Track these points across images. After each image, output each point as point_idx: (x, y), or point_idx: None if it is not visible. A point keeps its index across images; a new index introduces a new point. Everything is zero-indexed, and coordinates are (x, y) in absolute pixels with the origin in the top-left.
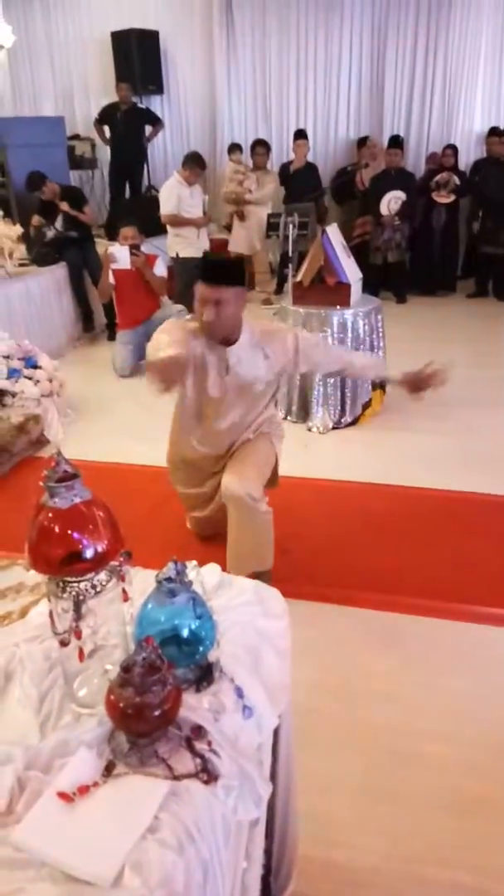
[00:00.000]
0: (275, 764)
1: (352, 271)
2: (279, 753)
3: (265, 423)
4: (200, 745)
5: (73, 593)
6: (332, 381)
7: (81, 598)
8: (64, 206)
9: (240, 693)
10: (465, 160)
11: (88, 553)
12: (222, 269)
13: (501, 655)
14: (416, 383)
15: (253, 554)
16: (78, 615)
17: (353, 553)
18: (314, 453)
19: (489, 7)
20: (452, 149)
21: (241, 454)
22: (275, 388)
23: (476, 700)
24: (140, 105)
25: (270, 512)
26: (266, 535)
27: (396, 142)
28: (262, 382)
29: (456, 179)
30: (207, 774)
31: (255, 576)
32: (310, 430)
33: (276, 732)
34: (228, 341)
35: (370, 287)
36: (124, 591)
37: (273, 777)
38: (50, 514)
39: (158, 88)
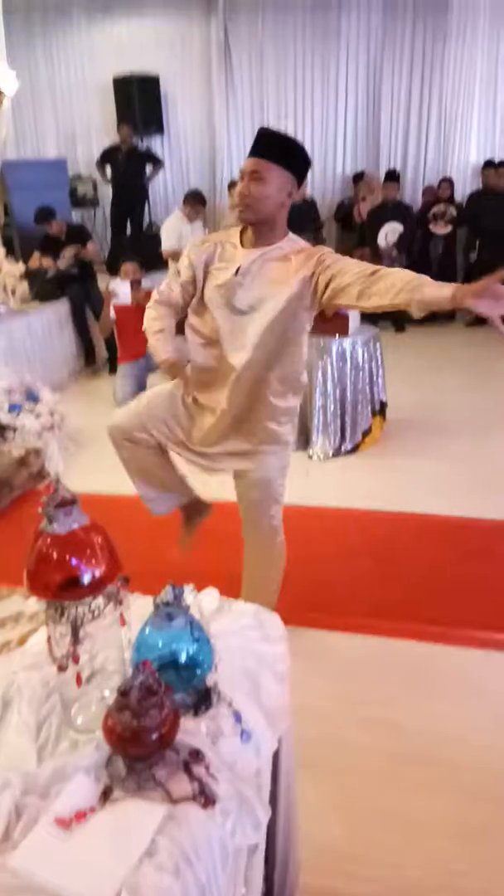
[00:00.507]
0: (275, 789)
1: None
2: (279, 778)
3: (283, 419)
4: (198, 769)
5: (71, 618)
6: (331, 408)
7: (79, 622)
8: (72, 249)
9: (238, 717)
10: (462, 192)
11: (86, 578)
12: (270, 141)
13: None
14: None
15: (267, 586)
16: (76, 640)
17: (353, 579)
18: (315, 480)
19: (483, 42)
20: (448, 181)
21: (254, 484)
22: (300, 343)
23: (479, 726)
24: (140, 146)
25: (283, 546)
26: (281, 564)
27: (393, 176)
28: (274, 296)
29: (453, 210)
30: (205, 798)
31: None
32: (310, 457)
33: (275, 757)
34: (255, 243)
35: (369, 316)
36: (122, 615)
37: (273, 802)
38: (48, 540)
39: (159, 129)
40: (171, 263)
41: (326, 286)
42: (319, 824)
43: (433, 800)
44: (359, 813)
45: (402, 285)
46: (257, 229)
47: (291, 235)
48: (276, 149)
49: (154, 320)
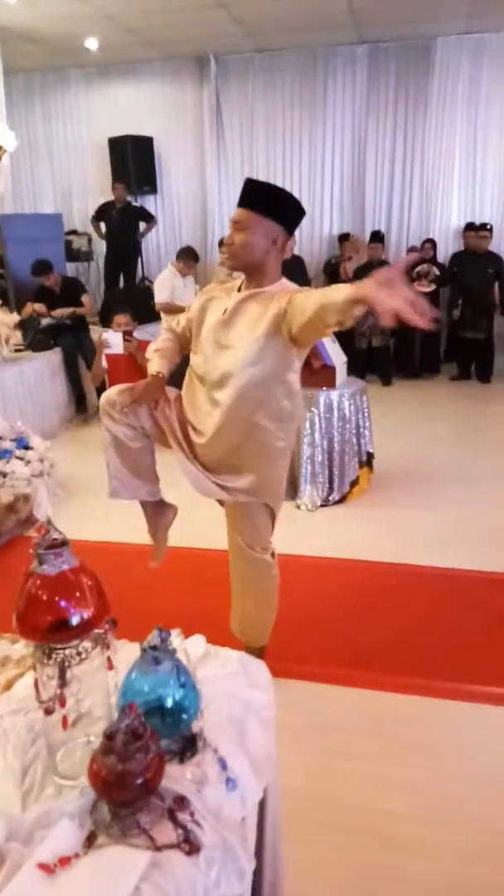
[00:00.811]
0: (261, 840)
1: (336, 355)
2: (265, 829)
3: (273, 453)
4: (183, 816)
5: (59, 660)
6: (319, 458)
7: (67, 664)
8: (69, 310)
9: (223, 764)
10: (444, 253)
11: (75, 620)
12: (254, 192)
13: (494, 735)
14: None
15: (261, 619)
16: (63, 682)
17: (341, 631)
18: (303, 530)
19: (462, 111)
20: (431, 242)
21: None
22: (285, 380)
23: (469, 782)
24: (135, 203)
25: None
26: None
27: (377, 237)
28: (253, 332)
29: (436, 270)
30: (189, 845)
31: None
32: (298, 507)
33: (261, 807)
34: (253, 286)
35: (357, 370)
36: (109, 659)
37: (259, 854)
38: (38, 581)
39: (152, 189)
40: (163, 317)
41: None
42: (306, 881)
43: (425, 859)
44: (347, 871)
45: (321, 293)
46: (247, 275)
47: (285, 281)
48: (260, 199)
49: (157, 342)
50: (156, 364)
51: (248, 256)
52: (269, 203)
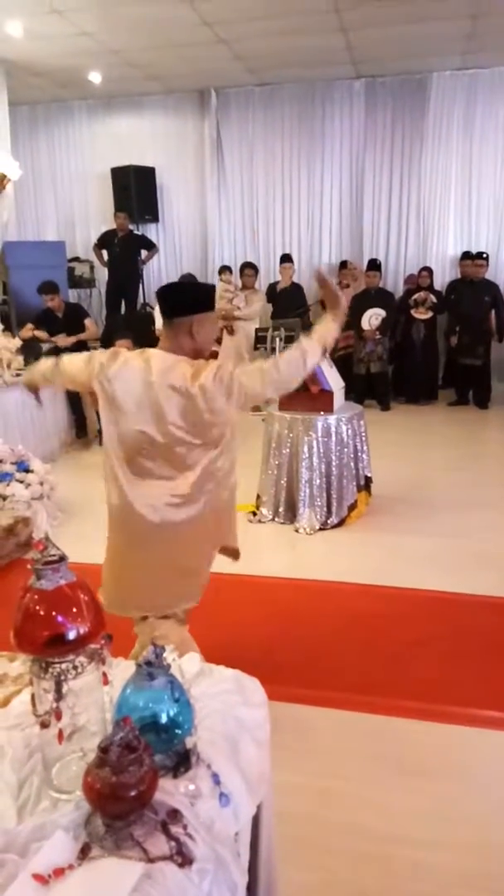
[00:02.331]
0: (255, 858)
1: (334, 380)
2: (260, 847)
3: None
4: (176, 829)
5: (55, 674)
6: (317, 482)
7: (63, 678)
8: (69, 340)
9: (217, 780)
10: (441, 281)
11: (71, 634)
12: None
13: (490, 758)
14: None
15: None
16: (59, 696)
17: (338, 654)
18: (301, 554)
19: (458, 144)
20: (428, 270)
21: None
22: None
23: (466, 805)
24: (136, 231)
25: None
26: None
27: (375, 265)
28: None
29: (433, 298)
30: (182, 857)
31: None
32: (297, 531)
33: (256, 825)
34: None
35: (355, 396)
36: (104, 674)
37: (253, 871)
38: (35, 596)
39: (154, 217)
40: None
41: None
42: None
43: (423, 882)
44: (341, 895)
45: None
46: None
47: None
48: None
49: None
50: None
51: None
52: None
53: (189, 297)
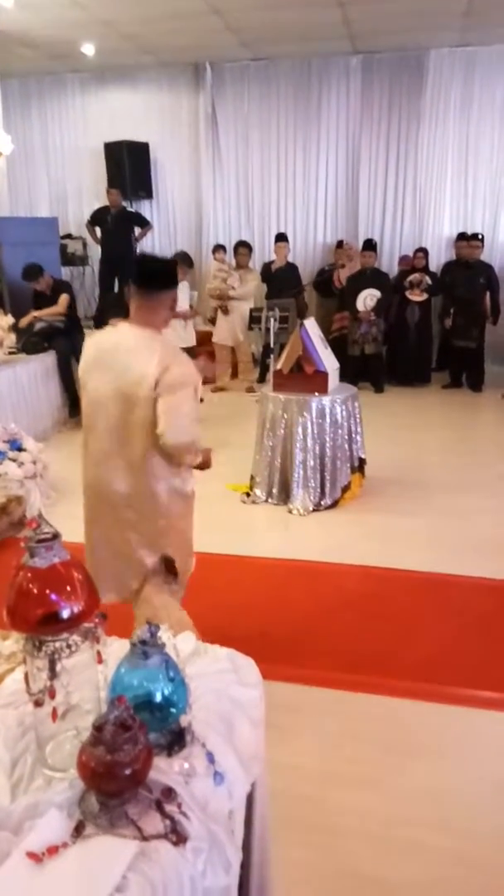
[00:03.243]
0: (248, 836)
1: (329, 361)
2: (253, 826)
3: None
4: (170, 807)
5: (49, 652)
6: (311, 463)
7: (56, 657)
8: (43, 312)
9: (211, 758)
10: (436, 262)
11: (65, 613)
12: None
13: (486, 739)
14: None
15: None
16: (53, 674)
17: (331, 634)
18: (294, 535)
19: (454, 123)
20: (423, 251)
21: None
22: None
23: (461, 786)
24: (130, 208)
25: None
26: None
27: (370, 245)
28: None
29: (428, 279)
30: (177, 836)
31: None
32: (290, 512)
33: (249, 803)
34: None
35: (349, 377)
36: (98, 653)
37: (247, 850)
38: (29, 574)
39: (148, 194)
40: None
41: None
42: (294, 881)
43: (416, 863)
44: (334, 873)
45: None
46: None
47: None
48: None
49: None
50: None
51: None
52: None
53: (172, 271)
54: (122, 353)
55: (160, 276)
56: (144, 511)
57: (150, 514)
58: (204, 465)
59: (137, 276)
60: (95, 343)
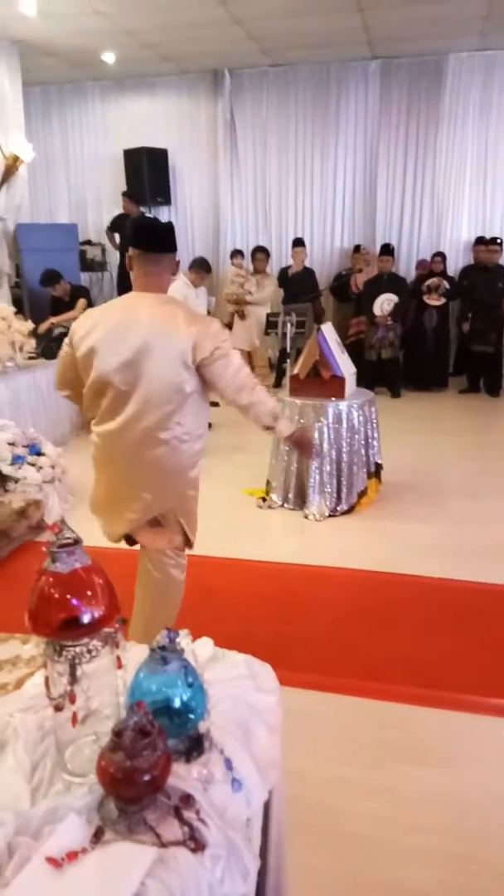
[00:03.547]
0: (265, 843)
1: (346, 366)
2: (270, 833)
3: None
4: (189, 814)
5: (69, 657)
6: (328, 468)
7: (77, 662)
8: (60, 318)
9: (229, 765)
10: (454, 266)
11: (86, 618)
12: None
13: (498, 746)
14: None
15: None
16: (73, 679)
17: (347, 640)
18: (310, 540)
19: (473, 127)
20: (441, 256)
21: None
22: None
23: (473, 793)
24: (148, 214)
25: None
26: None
27: (387, 250)
28: None
29: (446, 284)
30: (195, 843)
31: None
32: (306, 516)
33: (266, 811)
34: None
35: (366, 382)
36: (118, 658)
37: (263, 857)
38: (51, 579)
39: (166, 200)
40: None
41: None
42: (308, 888)
43: (428, 869)
44: (348, 879)
45: None
46: None
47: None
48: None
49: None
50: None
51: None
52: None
53: (172, 231)
54: (141, 323)
55: (165, 235)
56: (167, 479)
57: (174, 483)
58: (303, 443)
59: (144, 239)
60: (98, 319)
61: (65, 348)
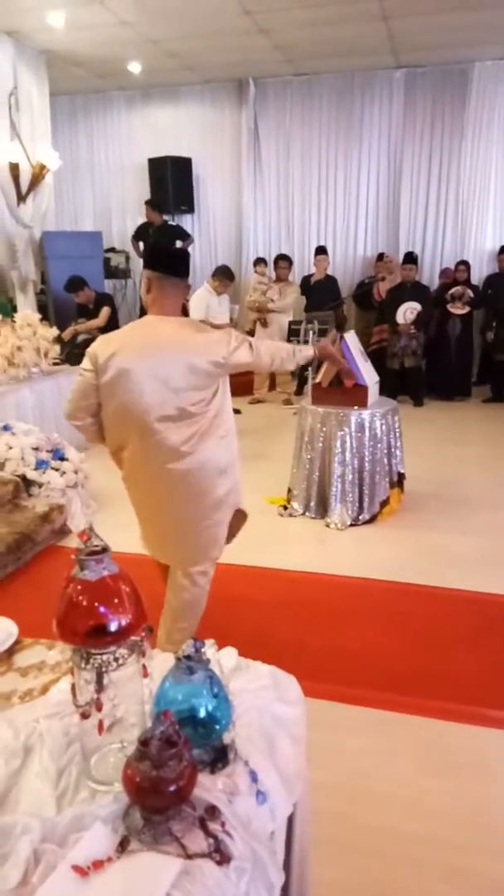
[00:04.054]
0: (288, 857)
1: (369, 374)
2: (293, 847)
3: None
4: (214, 826)
5: (96, 665)
6: (350, 477)
7: (104, 669)
8: (83, 326)
9: (254, 777)
10: (478, 275)
11: (113, 626)
12: (172, 257)
13: None
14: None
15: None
16: (100, 687)
17: (368, 651)
18: (332, 549)
19: (498, 135)
20: (465, 264)
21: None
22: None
23: (499, 809)
24: (171, 222)
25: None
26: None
27: (411, 258)
28: None
29: (470, 292)
30: (220, 855)
31: None
32: (328, 526)
33: (290, 824)
34: None
35: (388, 391)
36: (144, 667)
37: (287, 872)
38: (79, 587)
39: (190, 208)
40: None
41: None
42: None
43: (453, 887)
44: (370, 894)
45: None
46: None
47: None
48: (180, 262)
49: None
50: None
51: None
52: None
53: (188, 260)
54: (164, 345)
55: (181, 262)
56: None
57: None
58: (327, 355)
59: (161, 264)
60: (120, 345)
61: (85, 375)
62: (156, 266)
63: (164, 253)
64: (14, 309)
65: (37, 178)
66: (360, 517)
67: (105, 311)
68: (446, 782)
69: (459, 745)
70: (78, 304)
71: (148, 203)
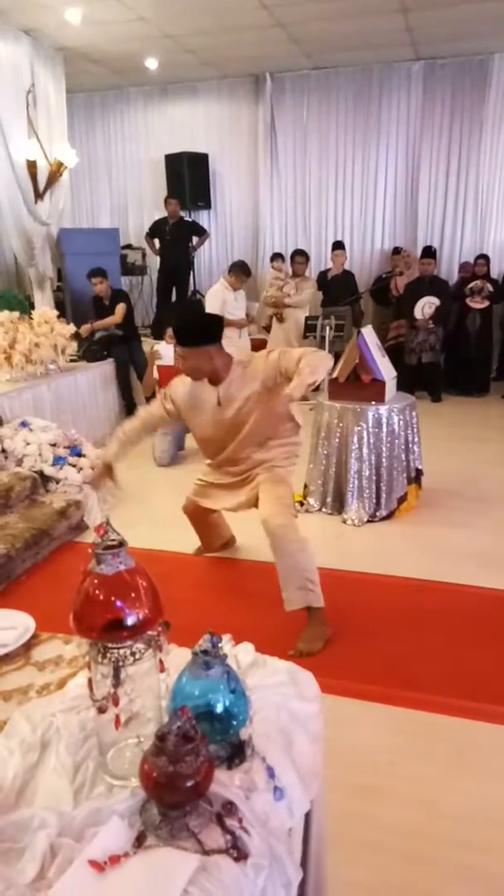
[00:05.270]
0: (305, 854)
1: (386, 369)
2: (310, 844)
3: (283, 456)
4: (231, 822)
5: (113, 659)
6: (367, 473)
7: (121, 664)
8: (100, 323)
9: (271, 773)
10: (498, 269)
11: (130, 620)
12: (183, 333)
13: None
14: None
15: (294, 583)
16: (117, 681)
17: (385, 647)
18: (349, 545)
19: None
20: (485, 258)
21: (267, 493)
22: (278, 408)
23: None
24: (187, 218)
25: (303, 540)
26: (301, 562)
27: (429, 252)
28: (248, 393)
29: (489, 287)
30: (238, 851)
31: (308, 611)
32: (345, 522)
33: (307, 821)
34: (217, 381)
35: (406, 386)
36: (161, 661)
37: (303, 869)
38: (95, 581)
39: (206, 204)
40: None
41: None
42: None
43: (468, 885)
44: (385, 892)
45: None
46: (208, 378)
47: (234, 358)
48: (188, 337)
49: (130, 421)
50: (112, 450)
51: (200, 373)
52: (193, 338)
53: (209, 325)
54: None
55: (202, 329)
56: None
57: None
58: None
59: (182, 337)
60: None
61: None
62: (179, 341)
63: (180, 327)
64: (32, 306)
65: (54, 176)
66: (378, 513)
67: (121, 308)
68: (466, 781)
69: (480, 743)
70: (95, 299)
71: (170, 197)
